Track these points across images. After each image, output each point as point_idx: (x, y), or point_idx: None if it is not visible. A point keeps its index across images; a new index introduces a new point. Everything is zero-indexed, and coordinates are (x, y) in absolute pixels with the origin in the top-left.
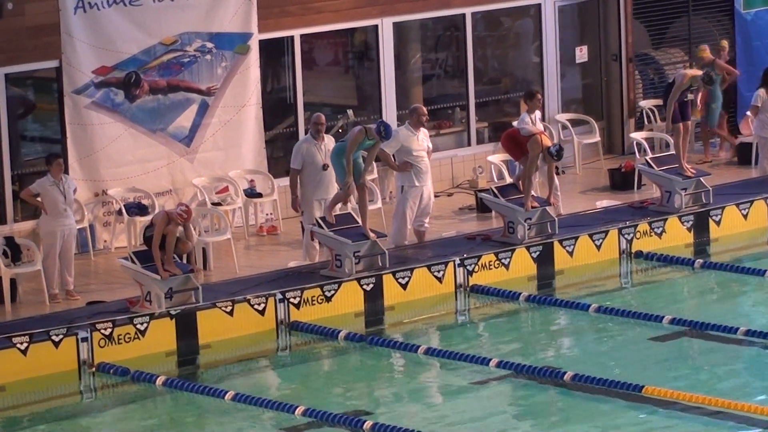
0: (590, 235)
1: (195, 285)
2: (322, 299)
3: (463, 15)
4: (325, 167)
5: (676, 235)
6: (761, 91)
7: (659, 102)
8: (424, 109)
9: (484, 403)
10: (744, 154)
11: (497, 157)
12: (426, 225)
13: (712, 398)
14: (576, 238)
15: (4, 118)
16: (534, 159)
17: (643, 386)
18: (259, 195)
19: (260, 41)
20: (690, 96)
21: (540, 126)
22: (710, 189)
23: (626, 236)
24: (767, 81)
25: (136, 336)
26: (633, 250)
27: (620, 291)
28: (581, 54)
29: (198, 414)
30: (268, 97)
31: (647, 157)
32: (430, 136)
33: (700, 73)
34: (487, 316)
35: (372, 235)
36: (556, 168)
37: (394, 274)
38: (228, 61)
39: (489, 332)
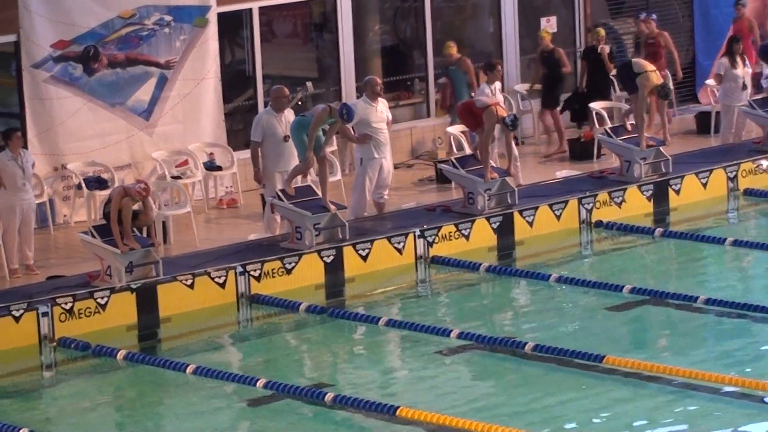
0: (550, 206)
1: (155, 258)
2: (283, 272)
3: None
4: (286, 139)
5: (636, 205)
6: (724, 60)
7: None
8: (378, 79)
9: (445, 373)
10: (703, 123)
11: (456, 128)
12: (385, 197)
13: (672, 367)
14: (536, 209)
15: None
16: (490, 130)
17: (604, 356)
18: (219, 168)
19: (219, 14)
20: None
21: (500, 97)
22: (669, 158)
23: (586, 206)
24: (730, 50)
25: (96, 310)
26: (593, 220)
27: (580, 261)
28: (548, 25)
29: (159, 387)
30: (227, 69)
31: (606, 127)
32: (390, 108)
33: (660, 82)
34: (447, 287)
35: (332, 207)
36: (515, 138)
37: (354, 246)
38: (186, 34)
39: (449, 303)
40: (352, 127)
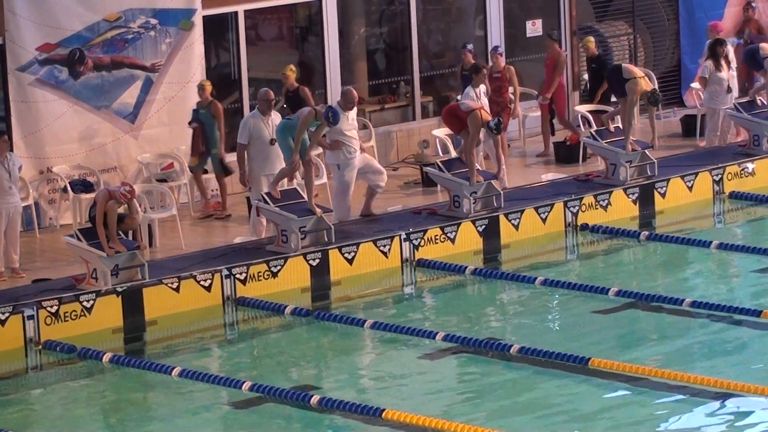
0: (536, 209)
1: (141, 262)
2: (269, 275)
3: None
4: (272, 142)
5: (622, 208)
6: (709, 63)
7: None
8: (355, 93)
9: (431, 376)
10: (688, 126)
11: (442, 132)
12: (381, 184)
13: (657, 370)
14: (522, 212)
15: None
16: (475, 134)
17: (589, 359)
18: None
19: (204, 17)
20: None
21: (485, 100)
22: (655, 161)
23: (572, 209)
24: (714, 52)
25: (82, 313)
26: (578, 223)
27: (566, 264)
28: (534, 28)
29: (145, 390)
30: (213, 72)
31: (592, 130)
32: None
33: (650, 88)
34: (433, 290)
35: (318, 210)
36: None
37: (340, 249)
38: (172, 37)
39: (435, 306)
40: (324, 134)
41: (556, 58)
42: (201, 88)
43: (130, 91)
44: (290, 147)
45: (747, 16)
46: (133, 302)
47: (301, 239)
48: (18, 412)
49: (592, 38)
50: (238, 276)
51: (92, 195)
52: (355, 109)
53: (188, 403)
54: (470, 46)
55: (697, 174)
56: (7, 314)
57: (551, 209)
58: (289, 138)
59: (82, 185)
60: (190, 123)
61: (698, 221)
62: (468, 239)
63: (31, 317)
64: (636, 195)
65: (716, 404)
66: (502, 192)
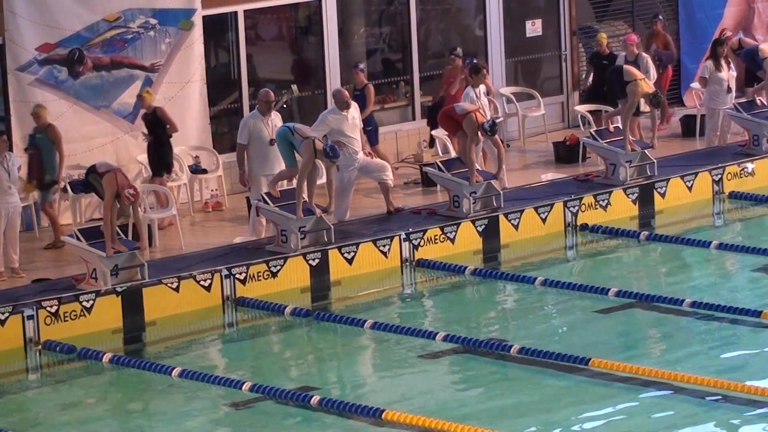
0: (535, 209)
1: (141, 262)
2: (268, 275)
3: None
4: (272, 142)
5: (621, 208)
6: (709, 63)
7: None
8: (346, 93)
9: (431, 377)
10: (688, 126)
11: (442, 132)
12: (385, 178)
13: (657, 370)
14: (521, 212)
15: None
16: (473, 136)
17: (589, 359)
18: (204, 171)
19: (204, 17)
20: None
21: (484, 100)
22: (655, 161)
23: (571, 209)
24: (715, 53)
25: (82, 313)
26: (578, 223)
27: (566, 264)
28: (533, 28)
29: (144, 390)
30: (213, 72)
31: (591, 130)
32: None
33: (651, 90)
34: (433, 290)
35: (318, 210)
36: (501, 141)
37: (339, 249)
38: (172, 37)
39: (435, 306)
40: (326, 135)
41: (457, 75)
42: (36, 113)
43: (129, 91)
44: (290, 155)
45: (653, 31)
46: (132, 302)
47: (301, 239)
48: (18, 412)
49: (605, 35)
50: (237, 276)
51: (92, 195)
52: (357, 108)
53: (188, 403)
54: (362, 65)
55: (696, 174)
56: (6, 314)
57: (551, 209)
58: (289, 147)
59: (81, 185)
60: (26, 149)
61: (698, 221)
62: (468, 239)
63: (30, 317)
64: (636, 195)
65: (717, 404)
66: (501, 192)
